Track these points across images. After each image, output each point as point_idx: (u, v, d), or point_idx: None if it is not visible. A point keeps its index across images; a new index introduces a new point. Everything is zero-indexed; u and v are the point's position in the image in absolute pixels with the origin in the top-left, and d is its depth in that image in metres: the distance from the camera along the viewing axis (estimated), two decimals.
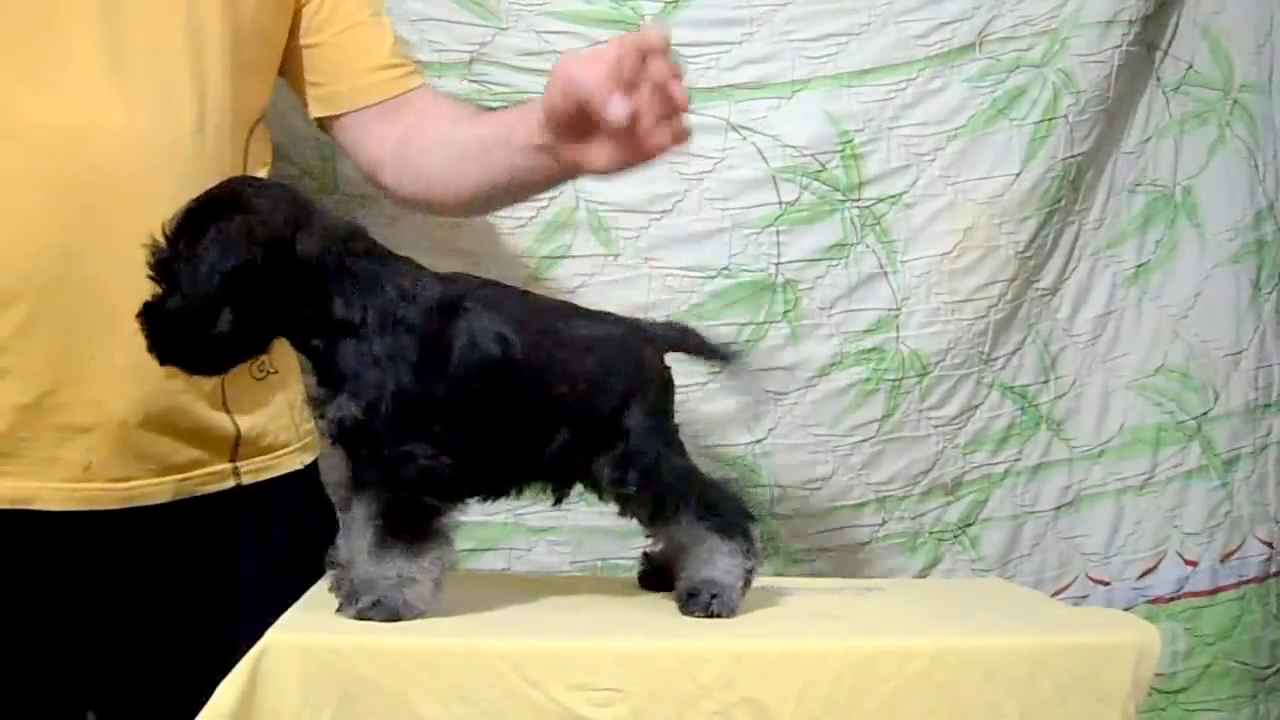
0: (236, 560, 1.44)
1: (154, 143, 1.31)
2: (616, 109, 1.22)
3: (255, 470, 1.44)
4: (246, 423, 1.43)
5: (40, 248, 1.28)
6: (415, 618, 1.14)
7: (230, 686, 1.06)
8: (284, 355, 1.37)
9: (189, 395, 1.36)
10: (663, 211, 1.76)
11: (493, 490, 1.23)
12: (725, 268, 1.80)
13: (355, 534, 1.17)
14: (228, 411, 1.41)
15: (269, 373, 1.45)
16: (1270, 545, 1.98)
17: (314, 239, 1.14)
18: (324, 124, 1.52)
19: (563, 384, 1.20)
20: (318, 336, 1.16)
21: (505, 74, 1.77)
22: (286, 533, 1.46)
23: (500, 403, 1.17)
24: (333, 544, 1.42)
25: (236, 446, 1.43)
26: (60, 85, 1.29)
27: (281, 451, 1.47)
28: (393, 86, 1.49)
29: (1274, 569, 1.99)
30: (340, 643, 1.09)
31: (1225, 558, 1.96)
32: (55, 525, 1.33)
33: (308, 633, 1.11)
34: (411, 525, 1.14)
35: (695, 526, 1.22)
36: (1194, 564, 1.95)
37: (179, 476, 1.38)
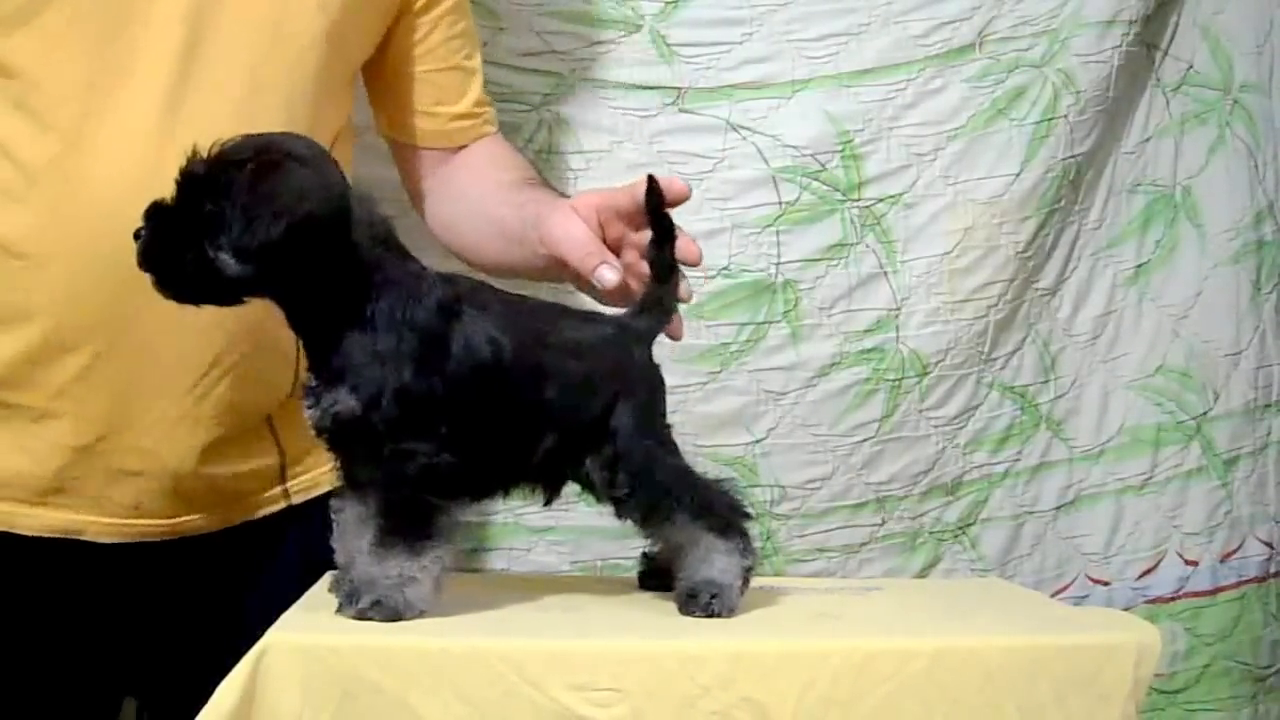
0: (280, 578, 1.42)
1: None
2: (606, 277, 1.28)
3: (304, 488, 1.44)
4: (291, 442, 1.42)
5: (103, 298, 1.27)
6: (416, 617, 1.14)
7: (230, 686, 1.06)
8: None
9: (239, 434, 1.36)
10: None
11: (481, 491, 1.23)
12: (725, 268, 1.80)
13: (352, 533, 1.17)
14: (274, 436, 1.41)
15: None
16: (1270, 545, 1.98)
17: (364, 213, 1.14)
18: (386, 137, 1.52)
19: (550, 386, 1.20)
20: (326, 318, 1.14)
21: (505, 74, 1.77)
22: (329, 545, 1.45)
23: (490, 405, 1.17)
24: None
25: (284, 468, 1.42)
26: (129, 127, 1.27)
27: (328, 465, 1.45)
28: (462, 136, 1.50)
29: (1274, 569, 1.99)
30: (340, 643, 1.09)
31: (1225, 558, 1.96)
32: (103, 553, 1.34)
33: (308, 633, 1.11)
34: (413, 524, 1.13)
35: (691, 527, 1.22)
36: (1194, 564, 1.95)
37: (228, 509, 1.39)
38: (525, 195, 1.43)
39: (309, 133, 1.31)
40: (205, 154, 1.11)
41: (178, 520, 1.36)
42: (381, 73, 1.48)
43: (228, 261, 1.10)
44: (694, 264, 1.32)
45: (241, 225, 1.09)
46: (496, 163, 1.50)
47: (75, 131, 1.26)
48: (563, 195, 1.50)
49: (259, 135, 1.13)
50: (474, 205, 1.46)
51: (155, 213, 1.12)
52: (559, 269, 1.35)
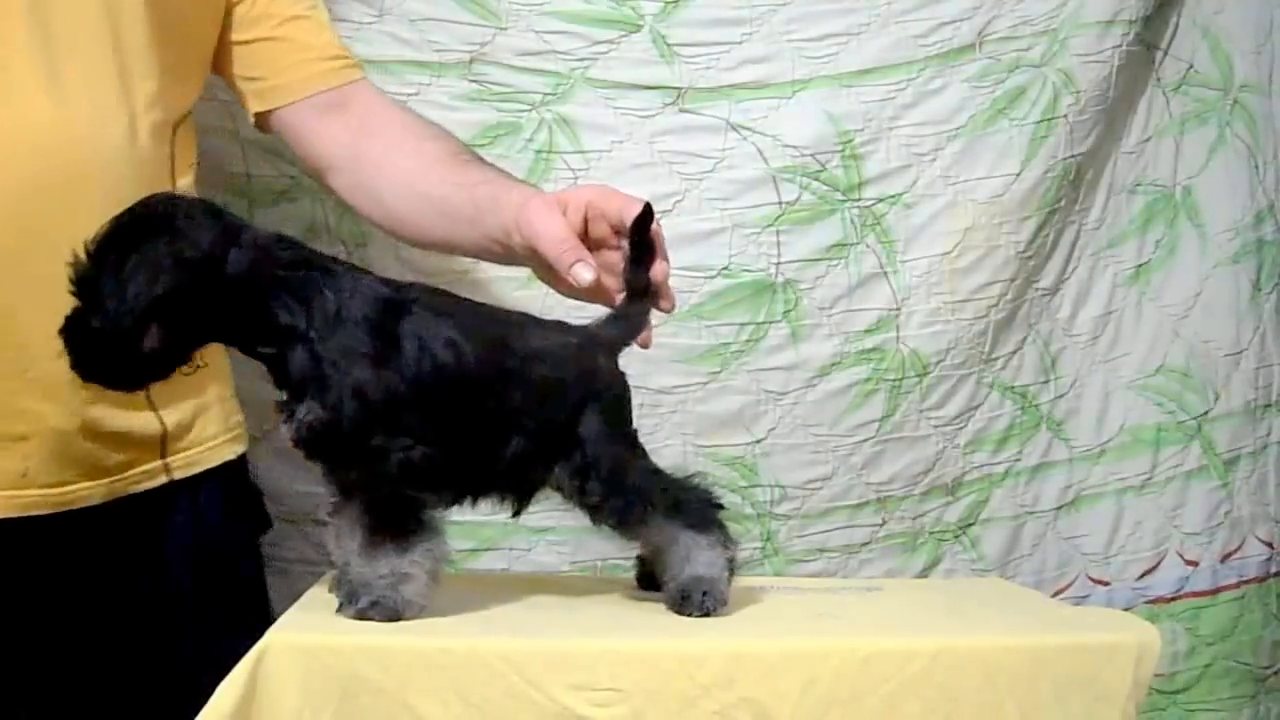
0: (167, 556, 1.43)
1: (86, 149, 1.29)
2: (581, 275, 1.28)
3: (186, 464, 1.44)
4: (173, 417, 1.42)
5: None
6: (416, 615, 1.14)
7: (230, 686, 1.07)
8: (213, 348, 1.35)
9: (116, 398, 1.34)
10: (663, 211, 1.75)
11: (455, 492, 1.22)
12: (725, 268, 1.80)
13: (346, 536, 1.17)
14: (153, 408, 1.40)
15: (197, 366, 1.43)
16: (1270, 545, 1.98)
17: (244, 255, 1.13)
18: (264, 122, 1.50)
19: (515, 394, 1.20)
20: (265, 345, 1.16)
21: (505, 74, 1.77)
22: (217, 525, 1.46)
23: (451, 411, 1.17)
24: (262, 534, 1.52)
25: (164, 442, 1.42)
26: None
27: (210, 443, 1.46)
28: (331, 78, 1.48)
29: (1274, 569, 1.99)
30: (340, 643, 1.09)
31: (1225, 558, 1.96)
32: None
33: (308, 633, 1.11)
34: (396, 520, 1.14)
35: (667, 526, 1.22)
36: (1194, 564, 1.95)
37: (112, 479, 1.38)
38: (472, 175, 1.42)
39: (157, 96, 1.35)
40: (85, 250, 1.11)
41: (64, 490, 1.34)
42: (227, 55, 1.47)
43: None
44: (667, 311, 1.34)
45: (110, 313, 1.10)
46: (411, 129, 1.48)
47: None
48: (509, 175, 1.49)
49: (117, 219, 1.12)
50: (404, 179, 1.44)
51: (67, 328, 1.13)
52: (526, 255, 1.35)
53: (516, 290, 1.70)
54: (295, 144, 1.51)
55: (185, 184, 1.43)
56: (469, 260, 1.65)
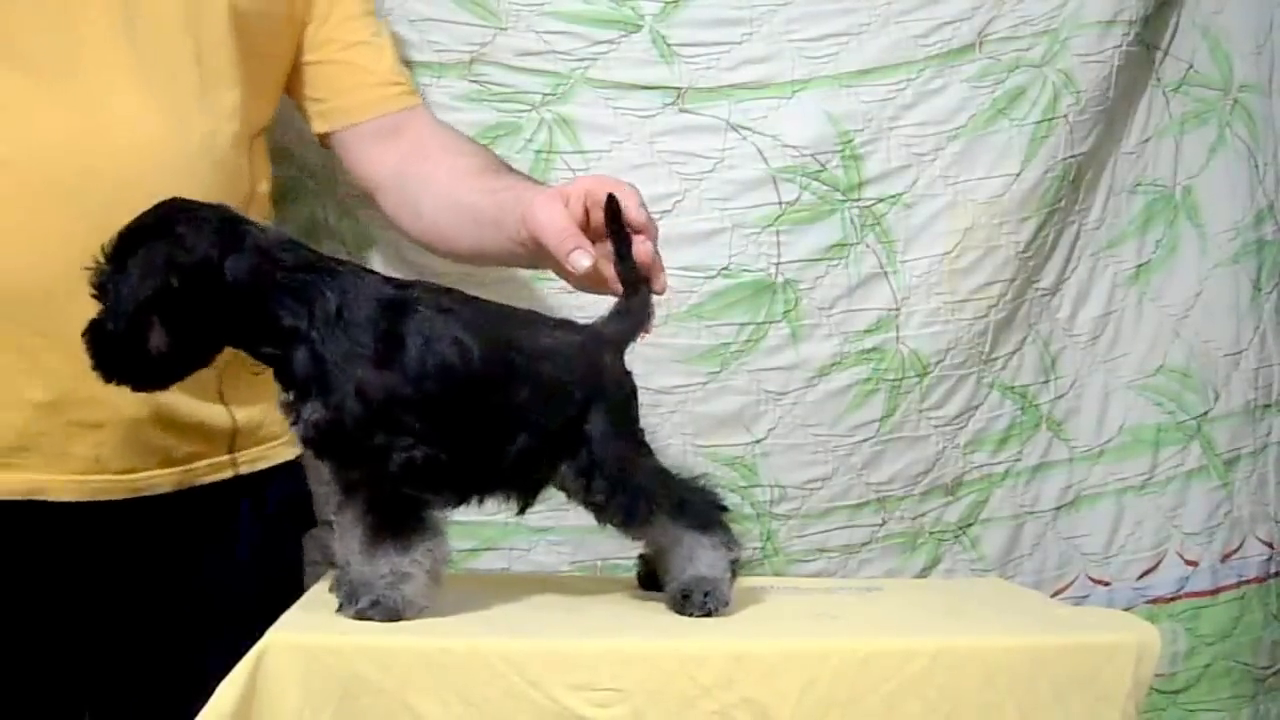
0: (232, 547, 1.49)
1: (170, 153, 1.35)
2: (579, 262, 1.30)
3: (251, 460, 1.49)
4: (243, 415, 1.47)
5: (59, 256, 1.29)
6: (416, 615, 1.14)
7: (230, 686, 1.07)
8: None
9: (190, 391, 1.39)
10: (663, 211, 1.76)
11: (459, 491, 1.23)
12: (725, 268, 1.80)
13: (349, 535, 1.17)
14: (224, 404, 1.45)
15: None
16: (1270, 545, 1.98)
17: (245, 259, 1.15)
18: (325, 140, 1.57)
19: (521, 390, 1.20)
20: (270, 346, 1.18)
21: (505, 74, 1.77)
22: (275, 522, 1.52)
23: (459, 406, 1.17)
24: (305, 533, 1.54)
25: (234, 438, 1.47)
26: (84, 100, 1.33)
27: (274, 443, 1.52)
28: (388, 104, 1.54)
29: (1274, 569, 1.99)
30: (340, 643, 1.09)
31: (1225, 558, 1.96)
32: (63, 515, 1.37)
33: (308, 633, 1.11)
34: (398, 520, 1.14)
35: (672, 527, 1.22)
36: (1194, 564, 1.95)
37: (181, 469, 1.43)
38: (500, 182, 1.46)
39: (239, 111, 1.41)
40: (103, 253, 1.14)
41: (136, 476, 1.39)
42: (297, 74, 1.53)
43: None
44: (659, 293, 1.34)
45: (113, 314, 1.13)
46: (450, 148, 1.53)
47: (33, 104, 1.32)
48: (535, 181, 1.53)
49: (129, 223, 1.15)
50: (442, 191, 1.49)
51: (89, 330, 1.16)
52: (538, 252, 1.37)
53: (522, 290, 1.70)
54: (349, 166, 1.57)
55: (263, 192, 1.50)
56: None
